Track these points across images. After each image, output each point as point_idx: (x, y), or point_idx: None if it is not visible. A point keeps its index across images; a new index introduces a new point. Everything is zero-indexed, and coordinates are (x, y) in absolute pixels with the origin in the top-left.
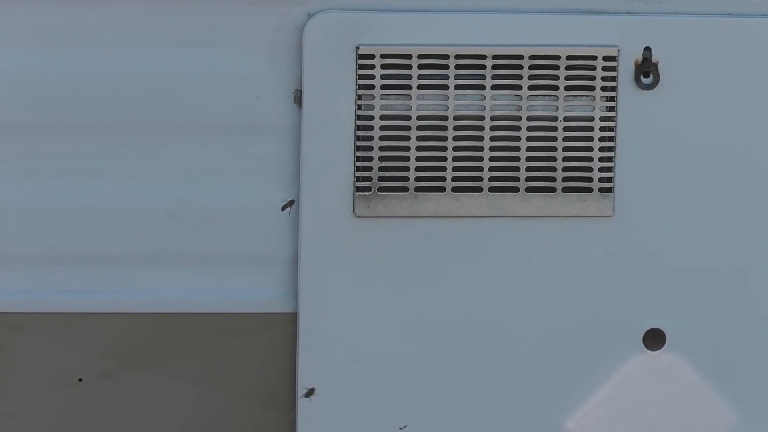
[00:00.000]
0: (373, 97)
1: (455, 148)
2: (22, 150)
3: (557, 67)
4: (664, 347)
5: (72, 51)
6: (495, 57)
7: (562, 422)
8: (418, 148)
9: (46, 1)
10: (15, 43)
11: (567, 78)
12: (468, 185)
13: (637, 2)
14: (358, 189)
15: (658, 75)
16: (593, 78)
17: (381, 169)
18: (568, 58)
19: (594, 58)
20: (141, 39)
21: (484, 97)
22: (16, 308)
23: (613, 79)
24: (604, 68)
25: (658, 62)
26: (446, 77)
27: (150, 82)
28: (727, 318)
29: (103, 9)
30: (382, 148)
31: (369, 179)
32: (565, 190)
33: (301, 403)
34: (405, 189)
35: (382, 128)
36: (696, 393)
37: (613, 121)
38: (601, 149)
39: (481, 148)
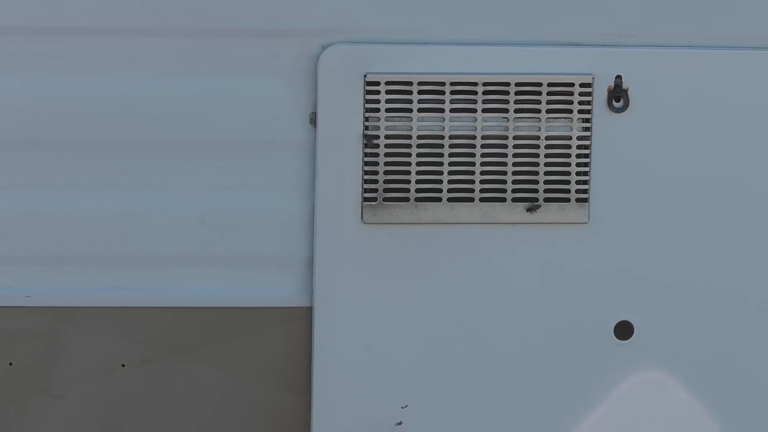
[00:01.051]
0: (379, 119)
1: (450, 164)
2: (72, 165)
3: (539, 93)
4: (632, 338)
5: (120, 78)
6: (485, 84)
7: (545, 400)
8: (418, 164)
9: (103, 34)
10: (72, 72)
11: (548, 102)
12: (462, 196)
13: (609, 36)
14: (365, 199)
15: (628, 100)
16: (571, 102)
17: (386, 181)
18: (549, 84)
19: (572, 84)
20: (179, 67)
21: (476, 119)
22: (67, 303)
23: (589, 103)
24: (581, 94)
25: (628, 89)
26: (443, 101)
27: (184, 105)
28: (688, 310)
29: (148, 41)
30: (386, 164)
31: (375, 190)
32: (546, 200)
33: (317, 387)
34: (407, 199)
35: (386, 146)
36: (661, 379)
37: (589, 140)
38: (578, 164)
39: (473, 164)
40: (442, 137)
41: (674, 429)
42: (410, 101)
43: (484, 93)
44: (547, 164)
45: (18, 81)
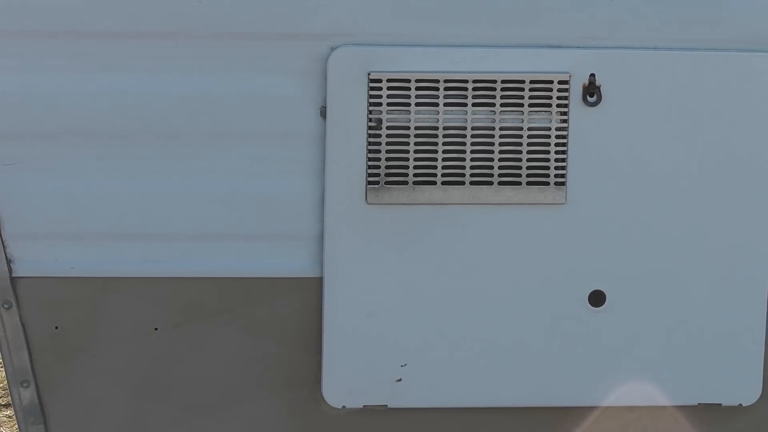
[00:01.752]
0: (381, 112)
1: (444, 151)
2: (112, 153)
3: (523, 89)
4: (604, 305)
5: (156, 77)
6: (475, 81)
7: (529, 358)
8: (416, 151)
9: (148, 38)
10: (114, 72)
11: (530, 97)
12: (454, 179)
13: (584, 39)
14: (369, 182)
15: (600, 95)
16: (550, 97)
17: (387, 167)
18: (531, 82)
19: (551, 82)
20: (206, 68)
21: (467, 112)
22: (107, 273)
23: (566, 98)
24: (559, 90)
25: (600, 85)
26: (437, 97)
27: (210, 101)
28: (653, 281)
29: (184, 44)
30: (388, 151)
31: (378, 174)
32: (528, 183)
33: (327, 348)
34: (406, 182)
35: (388, 136)
36: (629, 343)
37: (566, 131)
38: (557, 152)
39: (464, 151)
40: (436, 128)
41: (635, 383)
42: (409, 96)
43: (474, 89)
44: (529, 152)
45: (66, 80)
